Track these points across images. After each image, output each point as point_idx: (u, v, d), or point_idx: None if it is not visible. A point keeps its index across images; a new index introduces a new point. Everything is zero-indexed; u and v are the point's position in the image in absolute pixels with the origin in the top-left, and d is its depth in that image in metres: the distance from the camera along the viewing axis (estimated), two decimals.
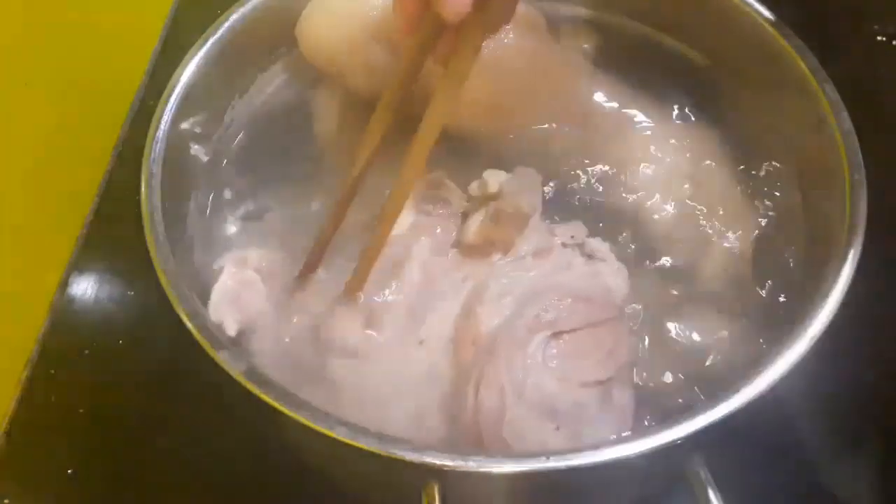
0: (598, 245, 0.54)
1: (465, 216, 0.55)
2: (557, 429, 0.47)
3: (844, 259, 0.46)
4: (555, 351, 0.48)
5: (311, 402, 0.42)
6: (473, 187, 0.55)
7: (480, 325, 0.49)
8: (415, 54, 0.48)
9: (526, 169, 0.54)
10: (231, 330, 0.50)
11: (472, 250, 0.53)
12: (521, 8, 0.59)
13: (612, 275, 0.53)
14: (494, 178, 0.53)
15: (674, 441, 0.40)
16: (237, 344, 0.51)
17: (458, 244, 0.54)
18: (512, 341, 0.48)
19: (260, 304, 0.52)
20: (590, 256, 0.54)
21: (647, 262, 0.55)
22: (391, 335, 0.50)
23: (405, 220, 0.54)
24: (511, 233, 0.53)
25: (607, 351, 0.49)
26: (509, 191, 0.52)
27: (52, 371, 0.66)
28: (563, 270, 0.52)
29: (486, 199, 0.54)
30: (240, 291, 0.52)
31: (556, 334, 0.49)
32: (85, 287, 0.71)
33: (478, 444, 0.46)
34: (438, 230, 0.54)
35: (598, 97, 0.61)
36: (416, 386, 0.49)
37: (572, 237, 0.54)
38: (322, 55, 0.60)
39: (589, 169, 0.59)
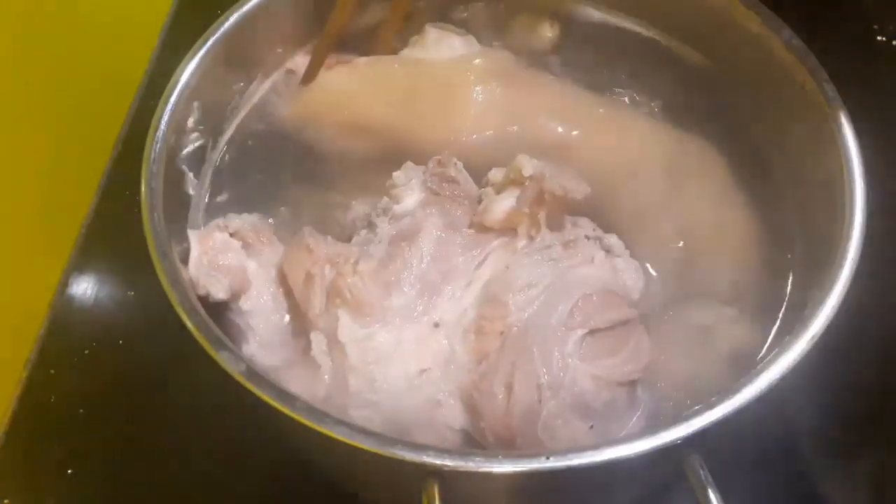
0: (614, 241, 0.53)
1: (479, 200, 0.53)
2: (592, 427, 0.46)
3: (844, 259, 0.46)
4: (589, 349, 0.47)
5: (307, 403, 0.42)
6: (494, 172, 0.53)
7: (509, 315, 0.48)
8: None
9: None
10: (221, 293, 0.50)
11: (491, 233, 0.52)
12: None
13: (628, 271, 0.52)
14: (529, 162, 0.51)
15: (674, 441, 0.40)
16: (234, 301, 0.51)
17: (478, 225, 0.52)
18: (547, 337, 0.46)
19: (241, 260, 0.52)
20: (607, 251, 0.53)
21: (646, 264, 0.55)
22: (403, 305, 0.49)
23: (413, 196, 0.53)
24: (558, 214, 0.51)
25: (631, 349, 0.48)
26: (552, 174, 0.50)
27: (52, 371, 0.66)
28: (587, 264, 0.51)
29: (516, 182, 0.51)
30: (216, 256, 0.51)
31: (591, 332, 0.47)
32: (85, 287, 0.71)
33: (508, 442, 0.45)
34: (451, 208, 0.52)
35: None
36: (432, 373, 0.48)
37: (594, 230, 0.53)
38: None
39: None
